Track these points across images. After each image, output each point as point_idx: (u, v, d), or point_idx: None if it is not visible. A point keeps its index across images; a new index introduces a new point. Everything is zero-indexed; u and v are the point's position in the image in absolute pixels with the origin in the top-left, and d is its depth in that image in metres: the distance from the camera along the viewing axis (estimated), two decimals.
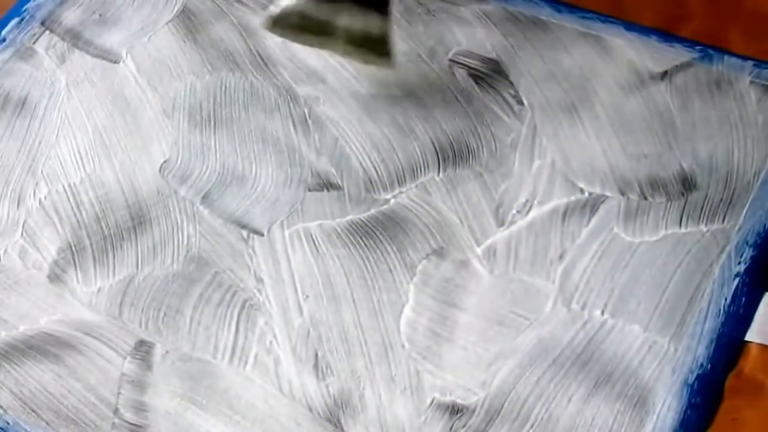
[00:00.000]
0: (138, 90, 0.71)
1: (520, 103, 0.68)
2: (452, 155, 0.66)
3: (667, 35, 0.70)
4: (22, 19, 0.75)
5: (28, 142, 0.69)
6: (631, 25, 0.70)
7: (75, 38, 0.74)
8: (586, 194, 0.63)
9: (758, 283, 0.59)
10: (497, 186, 0.64)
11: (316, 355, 0.59)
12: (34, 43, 0.74)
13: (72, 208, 0.65)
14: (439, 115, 0.68)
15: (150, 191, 0.66)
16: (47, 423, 0.57)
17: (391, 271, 0.61)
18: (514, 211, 0.63)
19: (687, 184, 0.63)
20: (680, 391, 0.55)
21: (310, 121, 0.68)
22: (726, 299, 0.58)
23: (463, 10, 0.72)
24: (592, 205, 0.63)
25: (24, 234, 0.65)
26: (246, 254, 0.62)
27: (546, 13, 0.72)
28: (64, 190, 0.66)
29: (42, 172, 0.67)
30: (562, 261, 0.61)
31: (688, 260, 0.60)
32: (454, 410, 0.56)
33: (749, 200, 0.62)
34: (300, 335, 0.59)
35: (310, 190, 0.65)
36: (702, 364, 0.56)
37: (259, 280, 0.61)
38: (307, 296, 0.61)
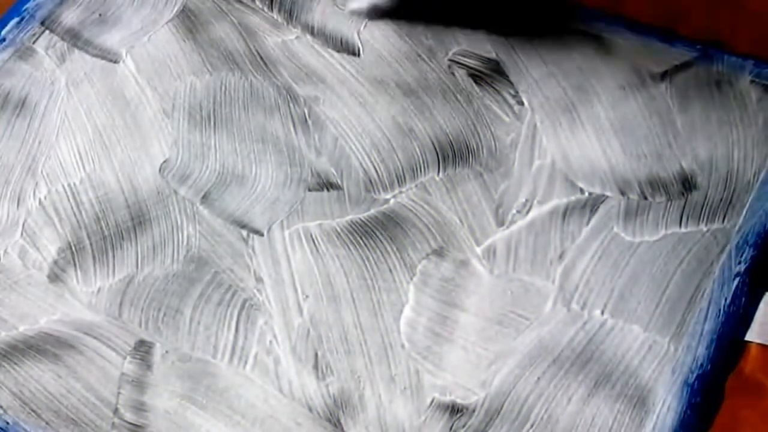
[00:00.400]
0: (138, 90, 0.71)
1: (520, 103, 0.68)
2: (452, 155, 0.66)
3: (667, 35, 0.70)
4: (21, 19, 0.75)
5: (28, 142, 0.69)
6: (631, 25, 0.70)
7: (75, 38, 0.74)
8: (586, 194, 0.63)
9: (758, 283, 0.59)
10: (497, 186, 0.64)
11: (316, 355, 0.58)
12: (33, 42, 0.74)
13: (72, 208, 0.65)
14: (439, 115, 0.67)
15: (150, 191, 0.66)
16: (47, 423, 0.57)
17: (391, 271, 0.61)
18: (514, 211, 0.63)
19: (687, 184, 0.63)
20: (680, 391, 0.55)
21: (310, 121, 0.68)
22: (726, 299, 0.58)
23: None
24: (592, 205, 0.63)
25: (24, 234, 0.64)
26: (246, 254, 0.62)
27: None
28: (64, 190, 0.66)
29: (42, 172, 0.67)
30: (562, 261, 0.61)
31: (689, 260, 0.60)
32: (454, 410, 0.56)
33: (749, 200, 0.62)
34: (300, 335, 0.59)
35: (310, 190, 0.65)
36: (702, 364, 0.56)
37: (259, 280, 0.61)
38: (307, 296, 0.61)
